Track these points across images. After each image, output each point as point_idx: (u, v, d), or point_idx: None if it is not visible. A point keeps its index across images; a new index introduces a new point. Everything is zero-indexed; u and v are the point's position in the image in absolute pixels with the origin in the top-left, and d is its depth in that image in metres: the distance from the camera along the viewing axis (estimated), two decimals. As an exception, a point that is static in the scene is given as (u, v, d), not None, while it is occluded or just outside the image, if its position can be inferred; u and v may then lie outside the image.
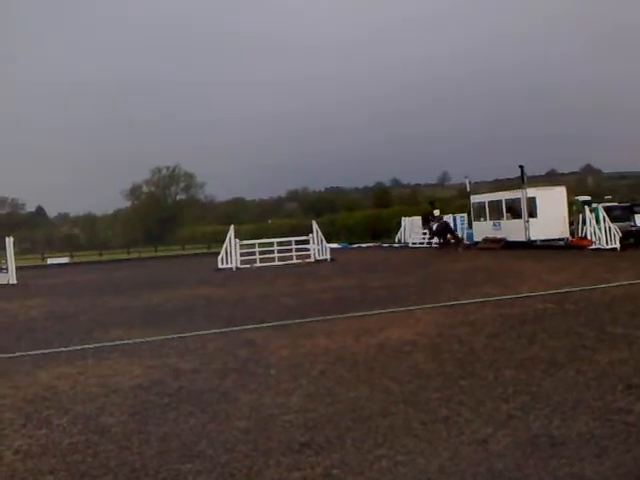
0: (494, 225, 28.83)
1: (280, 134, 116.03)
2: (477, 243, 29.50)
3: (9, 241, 25.29)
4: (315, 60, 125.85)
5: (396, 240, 38.11)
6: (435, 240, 32.55)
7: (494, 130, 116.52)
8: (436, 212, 33.18)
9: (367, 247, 39.13)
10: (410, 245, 35.29)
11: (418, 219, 36.43)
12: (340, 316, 10.45)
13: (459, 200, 43.23)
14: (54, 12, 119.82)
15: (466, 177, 34.14)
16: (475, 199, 30.98)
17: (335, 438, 4.55)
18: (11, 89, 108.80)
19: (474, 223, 30.69)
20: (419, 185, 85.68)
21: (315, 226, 27.86)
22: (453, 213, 34.72)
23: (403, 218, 37.96)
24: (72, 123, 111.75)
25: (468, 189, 32.54)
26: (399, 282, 15.80)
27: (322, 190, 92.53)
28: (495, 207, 29.24)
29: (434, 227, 32.75)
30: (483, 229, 29.58)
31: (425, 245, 33.96)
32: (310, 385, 6.07)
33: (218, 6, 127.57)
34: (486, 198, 30.50)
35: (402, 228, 37.65)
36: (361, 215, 53.01)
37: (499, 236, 28.08)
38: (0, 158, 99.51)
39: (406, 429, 4.66)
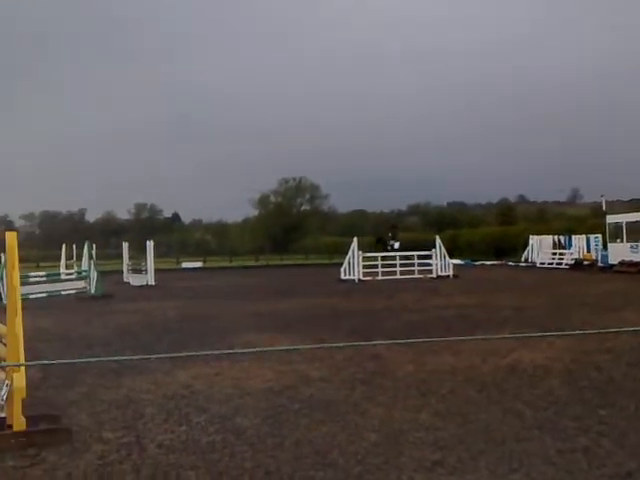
0: (632, 247, 27.13)
1: (401, 147, 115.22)
2: (612, 266, 27.90)
3: (149, 244, 26.82)
4: (435, 66, 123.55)
5: (523, 259, 36.85)
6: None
7: (632, 145, 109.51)
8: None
9: (491, 265, 38.08)
10: (538, 265, 33.95)
11: (548, 238, 35.10)
12: (466, 334, 10.25)
13: (592, 219, 41.20)
14: (216, 19, 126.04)
15: (602, 196, 32.50)
16: (611, 219, 29.33)
17: (468, 459, 4.48)
18: (150, 98, 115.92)
19: (610, 244, 29.06)
20: (547, 202, 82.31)
21: (438, 241, 27.52)
22: (586, 233, 33.16)
23: (531, 236, 36.65)
24: (207, 133, 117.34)
25: (604, 208, 30.92)
26: (528, 303, 15.25)
27: (444, 205, 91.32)
28: (634, 228, 27.54)
29: (395, 245, 35.44)
30: (620, 251, 27.92)
31: (555, 265, 32.55)
32: (439, 403, 6.02)
33: (358, 19, 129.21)
34: (624, 218, 28.76)
35: (530, 247, 36.36)
36: (485, 232, 51.70)
37: (637, 259, 26.41)
38: (139, 167, 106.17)
39: (542, 456, 4.51)
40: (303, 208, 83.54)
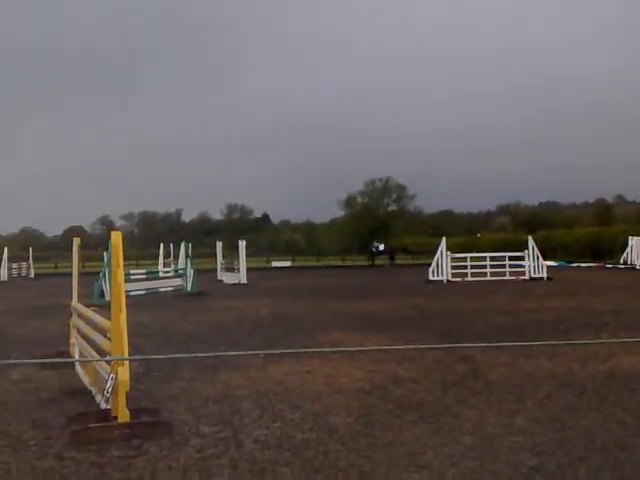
0: None
1: (490, 145, 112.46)
2: None
3: (242, 244, 27.45)
4: (530, 67, 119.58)
5: (621, 261, 35.24)
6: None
7: None
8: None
9: (587, 267, 36.62)
10: (638, 267, 32.33)
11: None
12: (562, 338, 9.92)
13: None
14: (312, 30, 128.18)
15: None
16: None
17: (567, 465, 4.35)
18: (243, 103, 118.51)
19: None
20: (646, 202, 78.07)
21: (531, 242, 26.74)
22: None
23: (630, 238, 34.97)
24: (295, 135, 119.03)
25: None
26: (629, 306, 14.58)
27: (535, 205, 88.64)
28: None
29: (380, 247, 39.39)
30: None
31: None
32: (535, 408, 5.86)
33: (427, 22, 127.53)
34: None
35: (629, 248, 34.70)
36: (581, 233, 49.74)
37: None
38: (231, 169, 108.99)
39: (648, 466, 4.32)
40: (390, 209, 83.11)
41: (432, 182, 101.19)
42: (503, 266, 27.07)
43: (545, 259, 28.29)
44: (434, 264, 26.14)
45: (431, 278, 25.69)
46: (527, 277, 26.07)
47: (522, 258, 27.06)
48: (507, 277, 26.14)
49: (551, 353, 8.63)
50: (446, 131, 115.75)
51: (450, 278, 25.72)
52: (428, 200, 75.33)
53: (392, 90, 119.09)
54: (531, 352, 8.75)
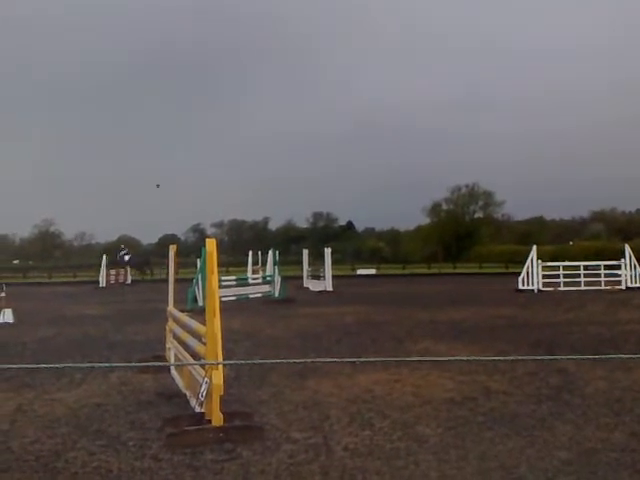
0: None
1: (584, 150, 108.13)
2: None
3: (327, 252, 27.63)
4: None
5: None
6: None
7: None
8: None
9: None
10: None
11: None
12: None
13: None
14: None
15: None
16: None
17: (672, 486, 4.16)
18: (326, 110, 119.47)
19: None
20: None
21: (628, 250, 25.62)
22: None
23: None
24: (379, 143, 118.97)
25: None
26: None
27: (633, 211, 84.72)
28: None
29: (125, 257, 37.32)
30: None
31: None
32: (634, 423, 5.62)
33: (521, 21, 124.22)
34: None
35: None
36: (683, 240, 47.09)
37: None
38: (317, 177, 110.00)
39: None
40: (476, 216, 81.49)
41: (522, 188, 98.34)
42: (598, 275, 26.07)
43: (643, 268, 27.00)
44: (524, 272, 25.45)
45: (521, 287, 25.03)
46: (623, 287, 25.01)
47: (618, 267, 25.97)
48: (602, 287, 25.15)
49: (651, 366, 8.26)
50: (536, 136, 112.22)
51: (541, 287, 24.98)
52: (518, 207, 73.18)
53: (477, 95, 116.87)
54: (629, 365, 8.39)
